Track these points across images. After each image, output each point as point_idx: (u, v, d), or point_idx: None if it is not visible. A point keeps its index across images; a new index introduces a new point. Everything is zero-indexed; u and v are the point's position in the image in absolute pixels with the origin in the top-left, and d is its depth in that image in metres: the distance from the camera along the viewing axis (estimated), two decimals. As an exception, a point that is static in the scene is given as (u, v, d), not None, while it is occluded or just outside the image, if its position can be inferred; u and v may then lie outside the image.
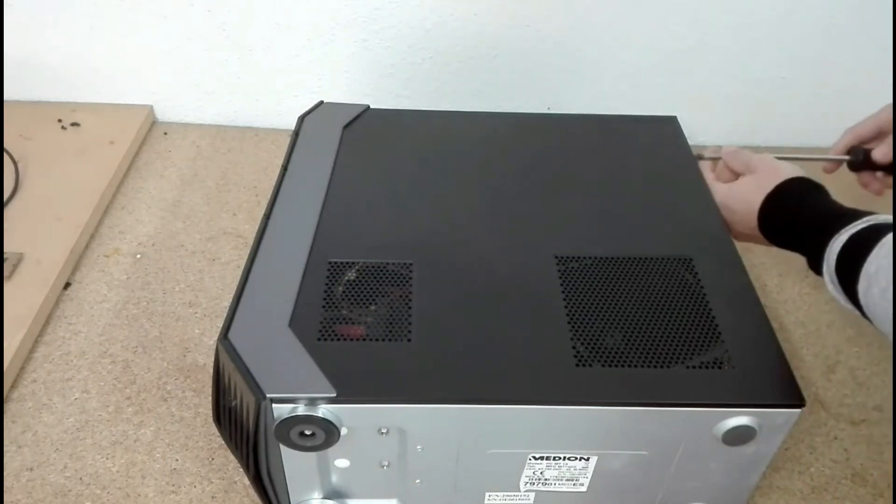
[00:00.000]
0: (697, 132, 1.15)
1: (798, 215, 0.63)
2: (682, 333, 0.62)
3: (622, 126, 0.88)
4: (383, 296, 0.64)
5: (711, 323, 0.63)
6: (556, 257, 0.68)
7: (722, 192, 0.73)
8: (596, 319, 0.63)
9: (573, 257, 0.68)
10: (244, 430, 0.58)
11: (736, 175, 0.74)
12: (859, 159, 0.77)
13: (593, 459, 0.61)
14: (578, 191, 0.77)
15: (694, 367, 0.59)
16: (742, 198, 0.69)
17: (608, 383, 0.58)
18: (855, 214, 0.58)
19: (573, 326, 0.62)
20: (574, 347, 0.60)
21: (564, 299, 0.64)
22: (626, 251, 0.69)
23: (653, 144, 0.85)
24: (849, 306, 0.56)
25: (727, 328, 0.62)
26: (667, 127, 0.88)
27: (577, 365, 0.59)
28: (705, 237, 0.72)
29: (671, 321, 0.63)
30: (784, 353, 0.61)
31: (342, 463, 0.61)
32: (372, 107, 0.88)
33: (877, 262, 0.51)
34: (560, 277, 0.66)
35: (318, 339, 0.60)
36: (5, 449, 0.74)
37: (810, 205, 0.63)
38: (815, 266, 0.60)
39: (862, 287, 0.52)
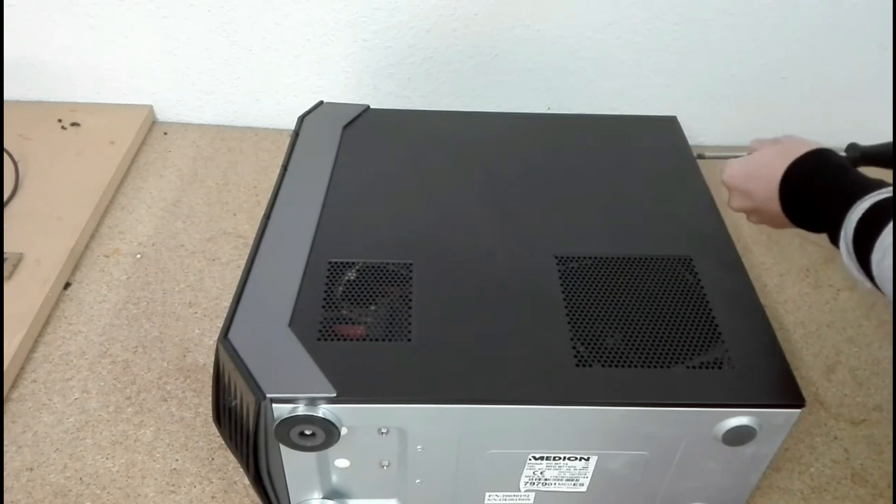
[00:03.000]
0: (697, 132, 1.15)
1: (823, 183, 0.61)
2: (682, 333, 0.62)
3: (622, 126, 0.88)
4: (383, 296, 0.64)
5: (711, 323, 0.63)
6: (556, 257, 0.68)
7: (740, 163, 0.68)
8: (596, 319, 0.63)
9: (573, 257, 0.68)
10: (244, 430, 0.58)
11: None
12: (855, 156, 0.76)
13: (593, 459, 0.61)
14: (578, 191, 0.77)
15: (694, 367, 0.59)
16: (765, 162, 0.64)
17: (608, 383, 0.58)
18: (880, 184, 0.57)
19: (573, 326, 0.62)
20: (574, 347, 0.60)
21: (564, 299, 0.64)
22: (626, 251, 0.69)
23: (653, 144, 0.85)
24: (861, 277, 0.56)
25: (727, 328, 0.62)
26: (667, 127, 0.88)
27: (577, 365, 0.59)
28: (705, 237, 0.72)
29: (671, 321, 0.63)
30: (784, 353, 0.61)
31: (342, 463, 0.61)
32: (372, 107, 0.88)
33: (893, 234, 0.51)
34: (560, 277, 0.66)
35: (318, 339, 0.60)
36: (5, 449, 0.74)
37: (837, 171, 0.61)
38: (834, 236, 0.59)
39: (876, 257, 0.52)
